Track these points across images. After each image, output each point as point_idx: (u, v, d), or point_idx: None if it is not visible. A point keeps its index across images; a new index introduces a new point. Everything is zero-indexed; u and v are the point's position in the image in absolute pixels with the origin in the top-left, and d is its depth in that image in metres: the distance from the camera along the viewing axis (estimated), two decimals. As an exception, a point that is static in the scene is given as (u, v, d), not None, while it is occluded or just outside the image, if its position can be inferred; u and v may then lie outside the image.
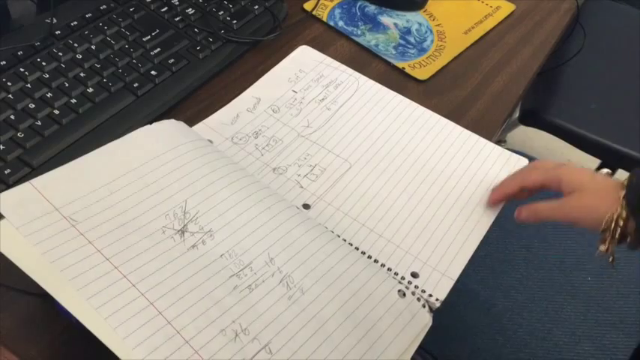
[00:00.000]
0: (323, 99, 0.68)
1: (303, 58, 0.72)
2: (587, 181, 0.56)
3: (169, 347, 0.42)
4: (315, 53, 0.73)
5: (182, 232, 0.49)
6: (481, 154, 0.66)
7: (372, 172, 0.62)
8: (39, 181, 0.48)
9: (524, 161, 0.66)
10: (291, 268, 0.49)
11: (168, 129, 0.56)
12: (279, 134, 0.64)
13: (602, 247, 0.55)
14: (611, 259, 0.55)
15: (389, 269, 0.54)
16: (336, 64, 0.72)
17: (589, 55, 1.13)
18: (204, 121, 0.64)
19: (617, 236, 0.53)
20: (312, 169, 0.61)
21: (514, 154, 0.67)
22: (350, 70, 0.72)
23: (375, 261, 0.55)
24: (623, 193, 0.53)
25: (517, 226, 0.95)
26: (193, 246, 0.48)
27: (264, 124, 0.65)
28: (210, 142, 0.61)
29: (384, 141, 0.65)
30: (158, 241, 0.47)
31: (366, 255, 0.55)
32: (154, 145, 0.53)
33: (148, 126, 0.55)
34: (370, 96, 0.70)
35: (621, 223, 0.53)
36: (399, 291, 0.52)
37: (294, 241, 0.51)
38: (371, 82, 0.71)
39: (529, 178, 0.59)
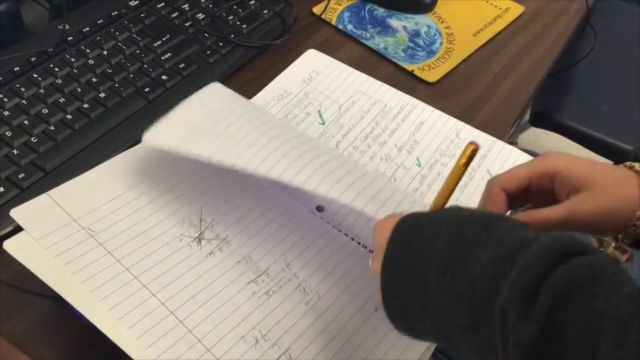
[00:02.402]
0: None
1: (310, 64, 0.72)
2: (593, 176, 0.44)
3: (191, 355, 0.43)
4: (322, 57, 0.73)
5: (199, 239, 0.49)
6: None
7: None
8: (56, 192, 0.49)
9: None
10: (307, 273, 0.50)
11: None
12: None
13: (621, 256, 0.47)
14: (626, 259, 0.47)
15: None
16: (345, 69, 0.72)
17: (600, 56, 1.13)
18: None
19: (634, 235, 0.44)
20: None
21: (524, 154, 0.67)
22: (355, 74, 0.72)
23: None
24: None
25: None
26: (210, 253, 0.48)
27: None
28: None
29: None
30: (175, 250, 0.48)
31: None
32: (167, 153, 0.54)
33: None
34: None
35: None
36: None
37: (310, 246, 0.51)
38: (378, 83, 0.71)
39: (511, 175, 0.46)
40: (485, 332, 0.35)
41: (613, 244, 0.47)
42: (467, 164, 0.41)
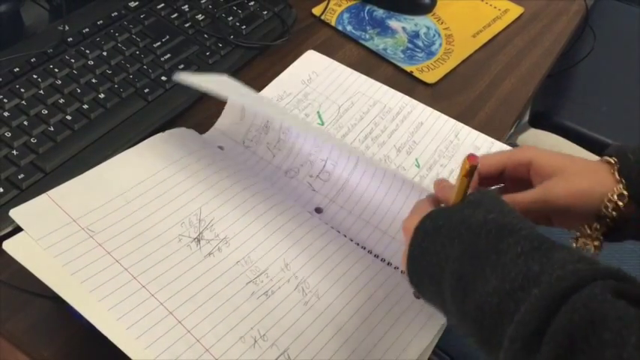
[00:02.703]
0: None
1: (309, 65, 0.72)
2: (565, 163, 0.47)
3: (190, 355, 0.43)
4: (321, 58, 0.73)
5: (198, 240, 0.49)
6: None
7: (377, 170, 0.61)
8: (56, 192, 0.49)
9: None
10: (306, 274, 0.50)
11: (180, 137, 0.56)
12: (285, 122, 0.63)
13: (591, 243, 0.48)
14: (596, 246, 0.48)
15: (402, 271, 0.55)
16: (344, 70, 0.72)
17: (599, 57, 1.13)
18: (214, 125, 0.64)
19: (612, 219, 0.46)
20: (324, 164, 0.61)
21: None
22: (355, 75, 0.72)
23: (389, 264, 0.55)
24: (615, 171, 0.46)
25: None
26: (209, 253, 0.49)
27: (267, 112, 0.64)
28: (222, 148, 0.61)
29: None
30: (175, 250, 0.48)
31: (379, 258, 0.55)
32: (167, 154, 0.54)
33: (160, 134, 0.56)
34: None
35: (621, 203, 0.45)
36: (414, 293, 0.52)
37: (309, 246, 0.51)
38: (377, 84, 0.71)
39: (485, 161, 0.49)
40: (498, 357, 0.37)
41: (586, 232, 0.48)
42: (467, 176, 0.42)
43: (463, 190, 0.43)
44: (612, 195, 0.45)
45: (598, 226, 0.47)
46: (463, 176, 0.42)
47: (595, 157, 0.50)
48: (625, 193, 0.45)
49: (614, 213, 0.45)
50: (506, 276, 0.37)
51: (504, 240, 0.38)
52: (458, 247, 0.39)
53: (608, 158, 0.48)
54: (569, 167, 0.47)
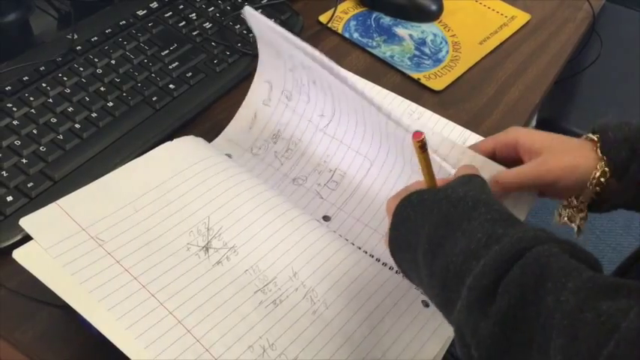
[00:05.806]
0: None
1: None
2: (552, 142, 0.52)
3: None
4: None
5: (206, 248, 0.49)
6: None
7: (389, 177, 0.61)
8: (65, 201, 0.49)
9: None
10: (314, 282, 0.50)
11: (187, 145, 0.57)
12: (297, 132, 0.62)
13: (577, 216, 0.53)
14: (577, 229, 0.54)
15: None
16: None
17: (606, 64, 1.12)
18: (223, 133, 0.64)
19: (594, 194, 0.50)
20: (332, 175, 0.61)
21: None
22: (361, 83, 0.72)
23: (397, 272, 0.55)
24: (597, 148, 0.51)
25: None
26: (218, 262, 0.49)
27: (281, 120, 0.63)
28: (229, 156, 0.61)
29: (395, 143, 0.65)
30: (183, 259, 0.48)
31: (388, 266, 0.55)
32: (175, 162, 0.54)
33: (168, 143, 0.56)
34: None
35: (603, 180, 0.50)
36: (423, 301, 0.52)
37: (317, 255, 0.51)
38: (384, 92, 0.71)
39: (477, 148, 0.55)
40: (456, 317, 0.40)
41: (573, 203, 0.53)
42: (422, 148, 0.45)
43: (427, 164, 0.46)
44: (595, 173, 0.50)
45: (583, 200, 0.51)
46: (420, 153, 0.46)
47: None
48: (607, 169, 0.50)
49: (597, 188, 0.50)
50: (473, 237, 0.40)
51: (478, 209, 0.42)
52: (436, 215, 0.43)
53: (591, 136, 0.52)
54: (555, 145, 0.52)
